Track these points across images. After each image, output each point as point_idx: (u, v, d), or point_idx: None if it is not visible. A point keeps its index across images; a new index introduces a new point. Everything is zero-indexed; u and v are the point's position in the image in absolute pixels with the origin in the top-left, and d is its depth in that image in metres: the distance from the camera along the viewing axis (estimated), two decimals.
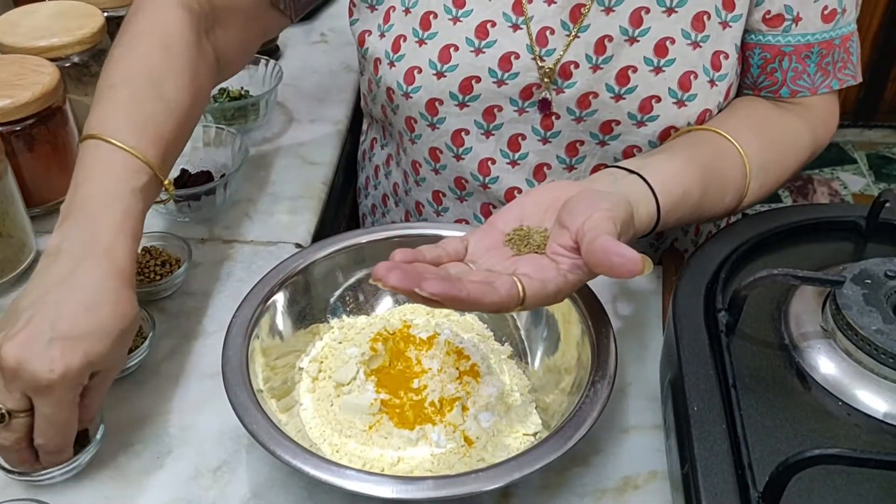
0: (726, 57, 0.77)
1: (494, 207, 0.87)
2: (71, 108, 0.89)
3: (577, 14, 0.76)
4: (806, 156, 0.81)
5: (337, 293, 0.74)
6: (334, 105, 1.08)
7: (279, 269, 0.71)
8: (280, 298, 0.70)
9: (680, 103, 0.77)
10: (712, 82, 0.77)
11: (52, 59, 0.88)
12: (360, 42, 0.85)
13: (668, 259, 0.83)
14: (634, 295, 0.79)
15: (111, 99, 0.70)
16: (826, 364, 0.59)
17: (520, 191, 0.84)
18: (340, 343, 0.72)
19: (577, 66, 0.77)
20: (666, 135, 0.78)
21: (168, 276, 0.78)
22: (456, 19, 0.78)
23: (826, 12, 0.76)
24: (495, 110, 0.80)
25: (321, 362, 0.71)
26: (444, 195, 0.89)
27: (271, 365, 0.67)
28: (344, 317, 0.75)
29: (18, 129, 0.82)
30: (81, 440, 0.64)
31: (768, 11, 0.77)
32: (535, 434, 0.66)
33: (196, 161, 0.93)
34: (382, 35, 0.82)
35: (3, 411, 0.57)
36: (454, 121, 0.82)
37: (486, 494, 0.60)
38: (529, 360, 0.72)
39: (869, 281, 0.61)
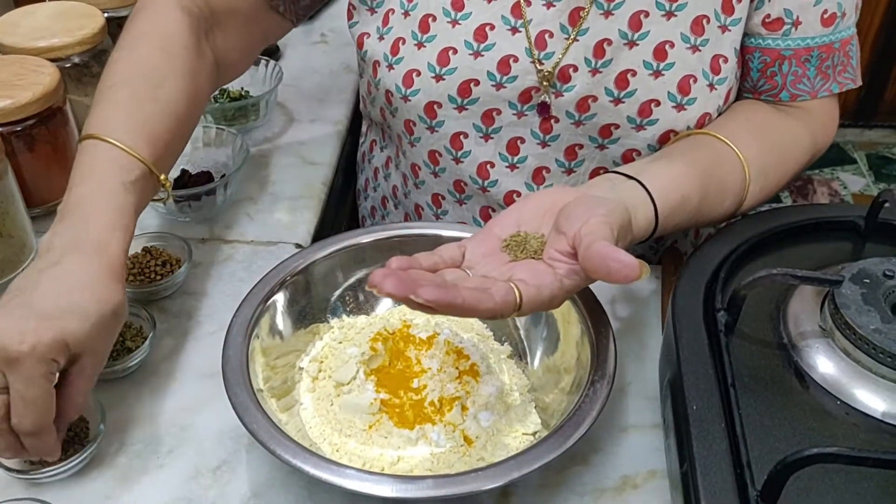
0: (726, 61, 0.77)
1: (494, 211, 0.87)
2: (71, 108, 0.89)
3: (575, 17, 0.76)
4: (806, 159, 0.81)
5: (337, 293, 0.74)
6: (334, 105, 1.08)
7: (279, 268, 0.71)
8: (280, 298, 0.70)
9: (679, 107, 0.77)
10: (712, 86, 0.77)
11: (52, 60, 0.88)
12: (360, 44, 0.85)
13: (667, 259, 0.83)
14: (634, 295, 0.79)
15: (110, 99, 0.71)
16: (824, 363, 0.59)
17: (519, 194, 0.84)
18: (340, 343, 0.72)
19: (575, 69, 0.77)
20: (665, 138, 0.78)
21: (168, 276, 0.78)
22: (455, 22, 0.78)
23: (826, 16, 0.76)
24: (494, 113, 0.80)
25: (321, 362, 0.71)
26: (444, 198, 0.89)
27: (271, 364, 0.67)
28: (344, 316, 0.75)
29: (19, 129, 0.82)
30: (81, 438, 0.65)
31: (768, 15, 0.77)
32: (534, 433, 0.66)
33: (196, 161, 0.93)
34: (381, 37, 0.82)
35: None
36: (453, 124, 0.82)
37: (485, 493, 0.60)
38: (529, 359, 0.72)
39: (867, 280, 0.61)
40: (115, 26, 1.02)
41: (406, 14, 0.80)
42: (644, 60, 0.76)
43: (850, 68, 0.80)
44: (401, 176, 0.94)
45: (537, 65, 0.77)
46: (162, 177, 0.71)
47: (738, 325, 0.62)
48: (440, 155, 0.85)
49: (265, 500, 0.63)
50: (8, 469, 0.62)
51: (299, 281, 0.71)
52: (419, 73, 0.79)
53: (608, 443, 0.66)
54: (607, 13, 0.76)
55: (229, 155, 0.93)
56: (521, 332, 0.73)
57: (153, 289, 0.77)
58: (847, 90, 0.81)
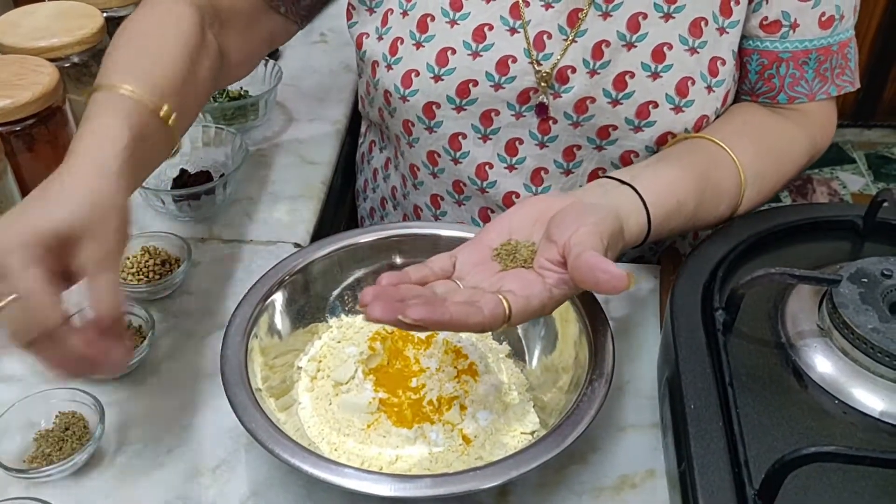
0: (723, 63, 0.77)
1: (493, 212, 0.87)
2: (71, 108, 0.89)
3: (574, 18, 0.76)
4: (803, 162, 0.81)
5: (336, 292, 0.74)
6: (334, 105, 1.08)
7: (278, 268, 0.71)
8: (279, 298, 0.70)
9: (677, 109, 0.77)
10: (709, 88, 0.77)
11: (51, 60, 0.88)
12: (359, 44, 0.85)
13: (666, 259, 0.83)
14: (632, 294, 0.79)
15: (110, 60, 0.68)
16: (822, 362, 0.59)
17: (517, 195, 0.84)
18: (339, 342, 0.72)
19: (574, 70, 0.77)
20: (663, 140, 0.78)
21: (167, 276, 0.78)
22: (453, 22, 0.78)
23: (824, 19, 0.76)
24: (492, 114, 0.80)
25: (320, 361, 0.71)
26: (443, 199, 0.89)
27: (270, 364, 0.67)
28: (342, 316, 0.75)
29: (18, 129, 0.82)
30: (81, 437, 0.65)
31: (766, 17, 0.77)
32: (532, 432, 0.66)
33: (196, 161, 0.94)
34: (380, 38, 0.82)
35: None
36: (451, 124, 0.82)
37: (483, 492, 0.61)
38: (527, 358, 0.72)
39: (865, 280, 0.61)
40: (114, 26, 1.01)
41: (404, 14, 0.80)
42: (642, 62, 0.76)
43: (848, 71, 0.80)
44: (400, 177, 0.94)
45: (535, 65, 0.77)
46: (164, 108, 0.66)
47: (736, 324, 0.63)
48: (439, 155, 0.85)
49: (264, 500, 0.63)
50: (8, 469, 0.62)
51: (298, 280, 0.72)
52: (418, 74, 0.79)
53: (606, 442, 0.66)
54: (606, 14, 0.76)
55: (228, 154, 0.93)
56: (520, 331, 0.73)
57: (152, 288, 0.77)
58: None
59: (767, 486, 0.49)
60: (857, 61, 0.81)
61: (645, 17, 0.75)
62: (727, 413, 0.56)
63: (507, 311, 0.55)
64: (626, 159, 0.80)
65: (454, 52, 0.78)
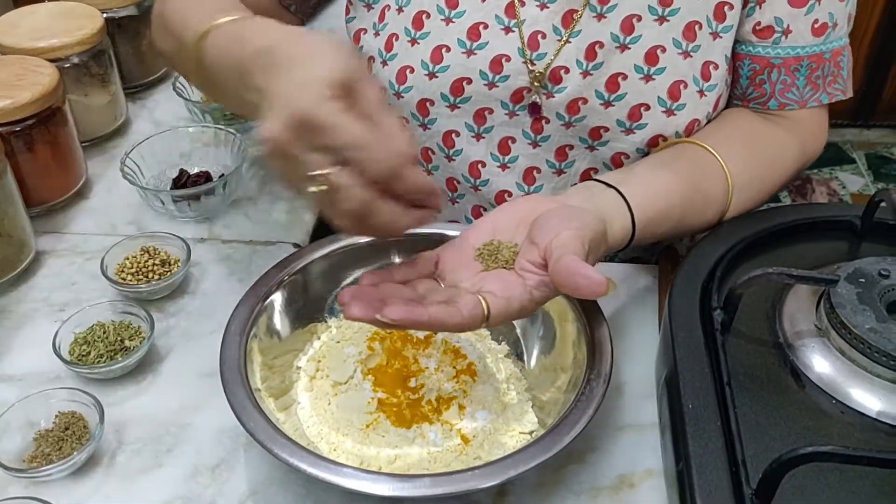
0: (716, 67, 0.77)
1: (485, 210, 0.87)
2: (71, 108, 0.89)
3: (569, 19, 0.76)
4: (794, 169, 0.81)
5: (335, 293, 0.75)
6: None
7: (277, 268, 0.71)
8: (278, 298, 0.70)
9: (669, 112, 0.77)
10: (701, 92, 0.77)
11: (51, 60, 0.88)
12: (356, 40, 0.85)
13: (664, 258, 0.84)
14: (630, 293, 0.79)
15: (190, 12, 0.69)
16: (820, 362, 0.59)
17: (510, 194, 0.85)
18: (338, 342, 0.72)
19: (567, 71, 0.77)
20: (654, 143, 0.78)
21: (167, 276, 0.78)
22: (448, 20, 0.78)
23: (817, 26, 0.76)
24: (486, 112, 0.81)
25: (319, 361, 0.71)
26: None
27: (269, 364, 0.68)
28: (342, 316, 0.75)
29: (18, 129, 0.82)
30: (81, 437, 0.65)
31: (759, 23, 0.77)
32: (531, 432, 0.66)
33: (195, 161, 0.94)
34: (377, 34, 0.82)
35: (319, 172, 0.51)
36: (445, 122, 0.82)
37: (482, 492, 0.61)
38: (526, 358, 0.72)
39: (863, 280, 0.61)
40: (114, 26, 1.02)
41: (400, 10, 0.80)
42: (635, 64, 0.76)
43: (840, 79, 0.80)
44: None
45: (529, 65, 0.77)
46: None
47: (734, 323, 0.63)
48: (433, 153, 0.85)
49: (263, 499, 0.63)
50: (8, 468, 0.62)
51: (297, 280, 0.72)
52: (412, 70, 0.79)
53: (605, 441, 0.66)
54: (600, 16, 0.76)
55: (228, 155, 0.93)
56: (518, 331, 0.73)
57: (152, 288, 0.77)
58: None
59: (765, 485, 0.50)
60: (850, 70, 0.81)
61: (639, 19, 0.75)
62: (725, 412, 0.56)
63: (486, 312, 0.56)
64: (618, 160, 0.80)
65: (448, 49, 0.78)
